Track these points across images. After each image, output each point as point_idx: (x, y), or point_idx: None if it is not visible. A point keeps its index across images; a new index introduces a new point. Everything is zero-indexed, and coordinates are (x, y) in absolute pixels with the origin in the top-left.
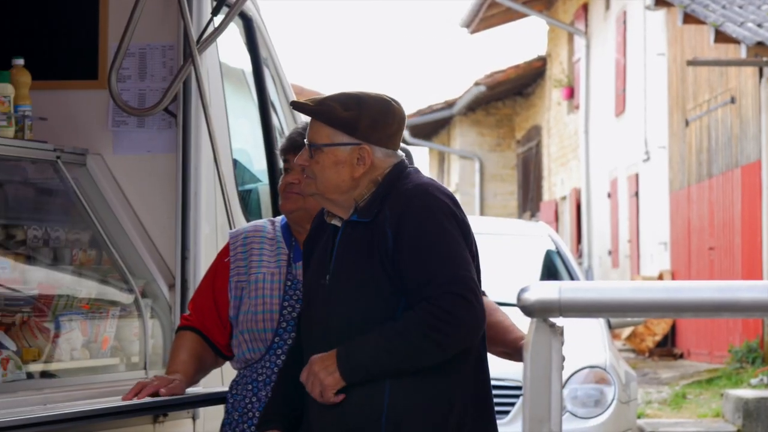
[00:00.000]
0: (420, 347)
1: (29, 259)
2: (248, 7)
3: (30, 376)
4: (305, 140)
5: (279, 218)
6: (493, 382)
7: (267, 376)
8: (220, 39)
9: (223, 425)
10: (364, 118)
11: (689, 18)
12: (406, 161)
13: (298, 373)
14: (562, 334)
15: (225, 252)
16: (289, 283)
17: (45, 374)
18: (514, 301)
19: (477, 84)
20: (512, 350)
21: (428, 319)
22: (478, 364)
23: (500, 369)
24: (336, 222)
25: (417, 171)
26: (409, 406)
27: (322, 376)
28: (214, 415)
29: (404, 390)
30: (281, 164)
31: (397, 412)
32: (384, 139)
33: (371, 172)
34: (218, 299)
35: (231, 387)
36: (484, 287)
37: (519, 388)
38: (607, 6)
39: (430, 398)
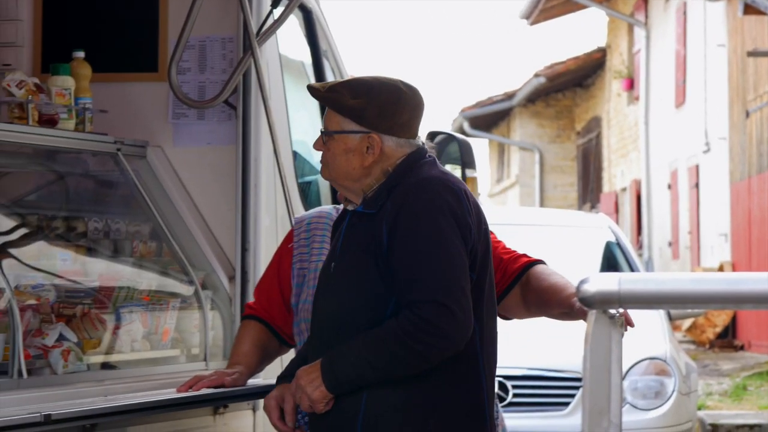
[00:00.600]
0: (401, 357)
1: (90, 251)
2: None
3: (90, 367)
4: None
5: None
6: (552, 374)
7: None
8: (280, 31)
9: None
10: (372, 106)
11: (750, 9)
12: (425, 151)
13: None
14: (622, 325)
15: (289, 237)
16: None
17: (105, 365)
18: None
19: (537, 75)
20: (567, 308)
21: (409, 329)
22: (470, 370)
23: (560, 361)
24: (351, 207)
25: (433, 162)
26: (385, 410)
27: (309, 390)
28: None
29: (382, 393)
30: None
31: (374, 415)
32: (395, 128)
33: (382, 161)
34: (283, 286)
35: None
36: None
37: (578, 379)
38: None
39: (408, 403)
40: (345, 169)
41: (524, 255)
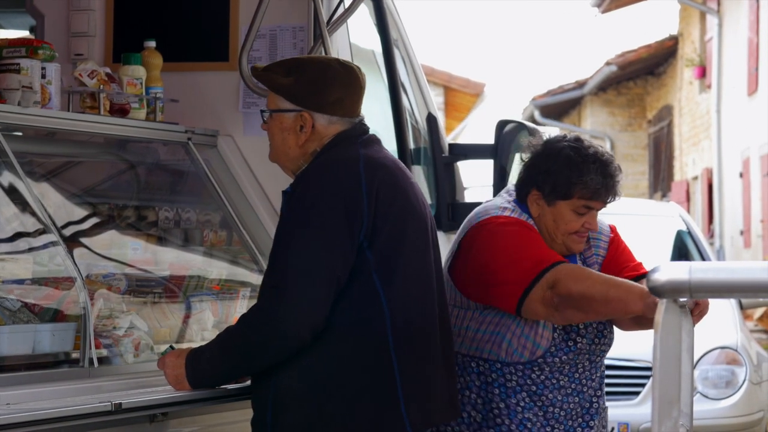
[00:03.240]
0: (244, 347)
1: (161, 240)
2: None
3: (161, 356)
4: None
5: (518, 208)
6: (622, 363)
7: (517, 384)
8: (351, 20)
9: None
10: (301, 83)
11: None
12: (362, 129)
13: None
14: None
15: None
16: None
17: None
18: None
19: (608, 64)
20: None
21: (248, 316)
22: (377, 353)
23: (630, 350)
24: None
25: (366, 141)
26: (288, 394)
27: (172, 381)
28: None
29: (285, 377)
30: (413, 144)
31: (280, 399)
32: (326, 106)
33: (315, 140)
34: None
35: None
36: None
37: (648, 368)
38: None
39: (307, 387)
40: (283, 148)
41: (640, 265)
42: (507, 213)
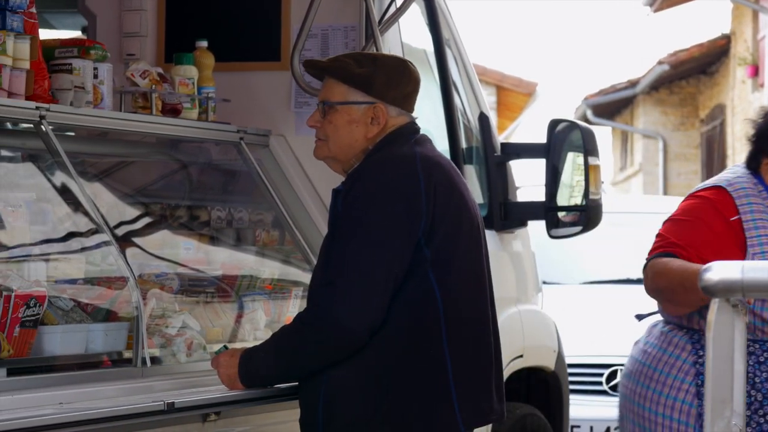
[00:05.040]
0: (300, 346)
1: (213, 240)
2: None
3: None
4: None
5: (752, 175)
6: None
7: None
8: (402, 19)
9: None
10: (379, 74)
11: None
12: (417, 127)
13: None
14: (745, 314)
15: (729, 208)
16: None
17: None
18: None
19: (660, 63)
20: None
21: (306, 317)
22: (431, 350)
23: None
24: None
25: (419, 140)
26: (341, 391)
27: (226, 381)
28: None
29: (339, 374)
30: (465, 143)
31: (332, 395)
32: (399, 99)
33: (383, 133)
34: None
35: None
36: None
37: None
38: None
39: (362, 383)
40: (348, 141)
41: None
42: (737, 182)
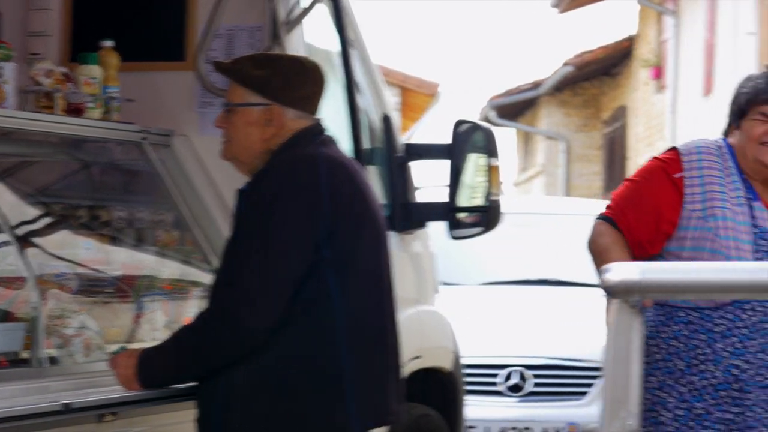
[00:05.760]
0: (198, 345)
1: (113, 240)
2: None
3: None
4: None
5: (721, 140)
6: (571, 363)
7: (726, 329)
8: (308, 20)
9: (654, 368)
10: (277, 76)
11: None
12: (322, 128)
13: None
14: (641, 314)
15: (675, 166)
16: (756, 230)
17: None
18: (597, 282)
19: (566, 64)
20: None
21: (204, 315)
22: (325, 349)
23: (580, 350)
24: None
25: (324, 141)
26: (234, 391)
27: (123, 382)
28: None
29: (232, 374)
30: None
31: (226, 395)
32: (298, 100)
33: (281, 136)
34: (660, 219)
35: (663, 330)
36: (568, 269)
37: (597, 369)
38: None
39: (253, 382)
40: (246, 143)
41: None
42: (694, 143)
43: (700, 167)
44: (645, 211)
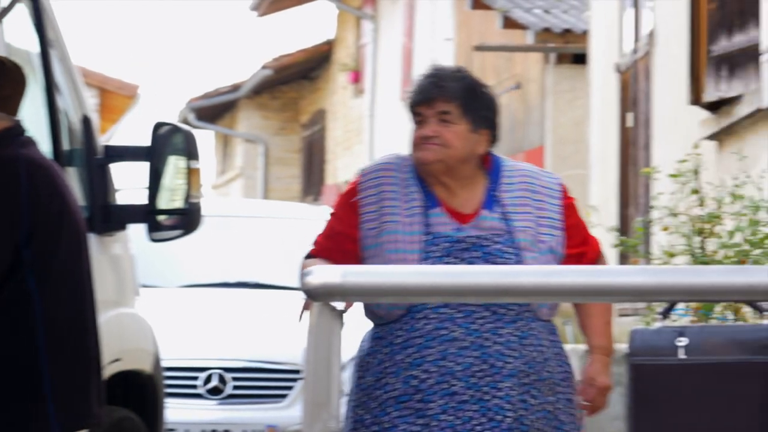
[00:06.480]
0: None
1: None
2: None
3: None
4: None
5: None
6: (271, 366)
7: (405, 340)
8: (7, 20)
9: (355, 386)
10: None
11: (477, 3)
12: (21, 130)
13: None
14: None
15: (353, 191)
16: (427, 237)
17: None
18: (297, 285)
19: (264, 67)
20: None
21: None
22: (30, 352)
23: (279, 353)
24: None
25: (24, 142)
26: None
27: None
28: None
29: None
30: (67, 146)
31: None
32: None
33: None
34: (350, 241)
35: (362, 346)
36: (268, 272)
37: (297, 371)
38: None
39: None
40: None
41: (585, 255)
42: (376, 163)
43: (376, 185)
44: (337, 241)
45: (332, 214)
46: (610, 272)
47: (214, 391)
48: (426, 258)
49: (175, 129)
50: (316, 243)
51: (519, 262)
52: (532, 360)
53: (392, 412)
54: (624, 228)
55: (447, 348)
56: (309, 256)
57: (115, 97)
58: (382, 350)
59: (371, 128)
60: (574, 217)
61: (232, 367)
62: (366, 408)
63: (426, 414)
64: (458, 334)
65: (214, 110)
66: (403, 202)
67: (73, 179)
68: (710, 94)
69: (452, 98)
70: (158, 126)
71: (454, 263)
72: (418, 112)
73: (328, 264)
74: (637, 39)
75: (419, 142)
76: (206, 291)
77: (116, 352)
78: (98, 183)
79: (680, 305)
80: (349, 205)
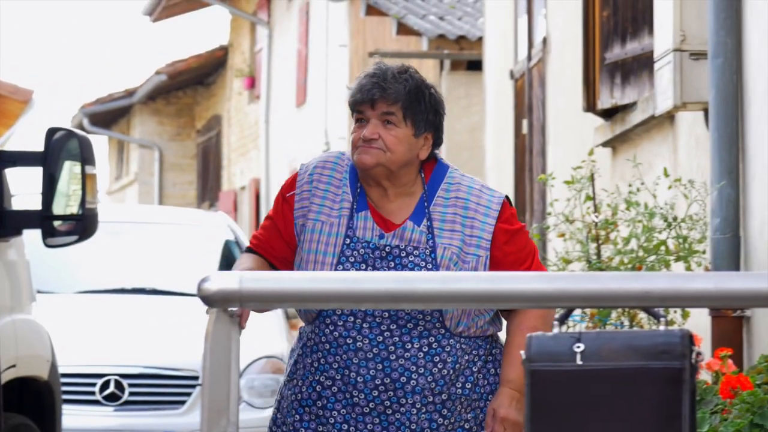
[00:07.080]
0: None
1: None
2: None
3: None
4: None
5: (347, 155)
6: (168, 372)
7: (314, 344)
8: None
9: (288, 379)
10: None
11: (372, 10)
12: None
13: None
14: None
15: (291, 185)
16: (347, 241)
17: None
18: (194, 292)
19: (158, 73)
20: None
21: None
22: None
23: (177, 359)
24: None
25: None
26: None
27: None
28: None
29: None
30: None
31: None
32: None
33: None
34: (285, 236)
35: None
36: (164, 278)
37: (195, 378)
38: None
39: None
40: None
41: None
42: (317, 158)
43: (310, 181)
44: (273, 235)
45: (272, 208)
46: (507, 278)
47: (111, 398)
48: (341, 262)
49: (70, 134)
50: (254, 237)
51: None
52: (441, 378)
53: (295, 415)
54: None
55: (351, 358)
56: (248, 249)
57: (9, 102)
58: (298, 349)
59: (267, 134)
60: (512, 241)
61: (129, 373)
62: (278, 406)
63: (327, 422)
64: (363, 345)
65: (109, 115)
66: (332, 202)
67: None
68: (604, 101)
69: (395, 100)
70: (52, 131)
71: (368, 271)
72: (360, 111)
73: (261, 259)
74: (531, 46)
75: (359, 144)
76: (103, 297)
77: (12, 359)
78: None
79: (577, 311)
80: (284, 200)
